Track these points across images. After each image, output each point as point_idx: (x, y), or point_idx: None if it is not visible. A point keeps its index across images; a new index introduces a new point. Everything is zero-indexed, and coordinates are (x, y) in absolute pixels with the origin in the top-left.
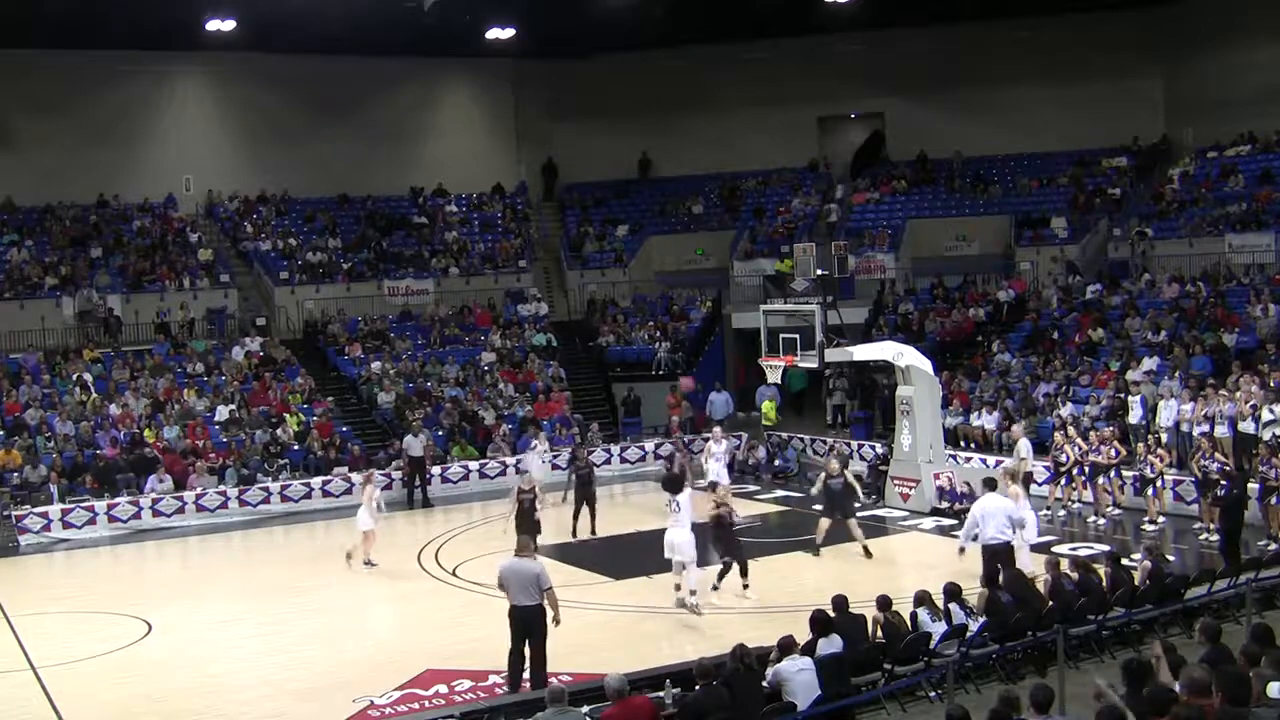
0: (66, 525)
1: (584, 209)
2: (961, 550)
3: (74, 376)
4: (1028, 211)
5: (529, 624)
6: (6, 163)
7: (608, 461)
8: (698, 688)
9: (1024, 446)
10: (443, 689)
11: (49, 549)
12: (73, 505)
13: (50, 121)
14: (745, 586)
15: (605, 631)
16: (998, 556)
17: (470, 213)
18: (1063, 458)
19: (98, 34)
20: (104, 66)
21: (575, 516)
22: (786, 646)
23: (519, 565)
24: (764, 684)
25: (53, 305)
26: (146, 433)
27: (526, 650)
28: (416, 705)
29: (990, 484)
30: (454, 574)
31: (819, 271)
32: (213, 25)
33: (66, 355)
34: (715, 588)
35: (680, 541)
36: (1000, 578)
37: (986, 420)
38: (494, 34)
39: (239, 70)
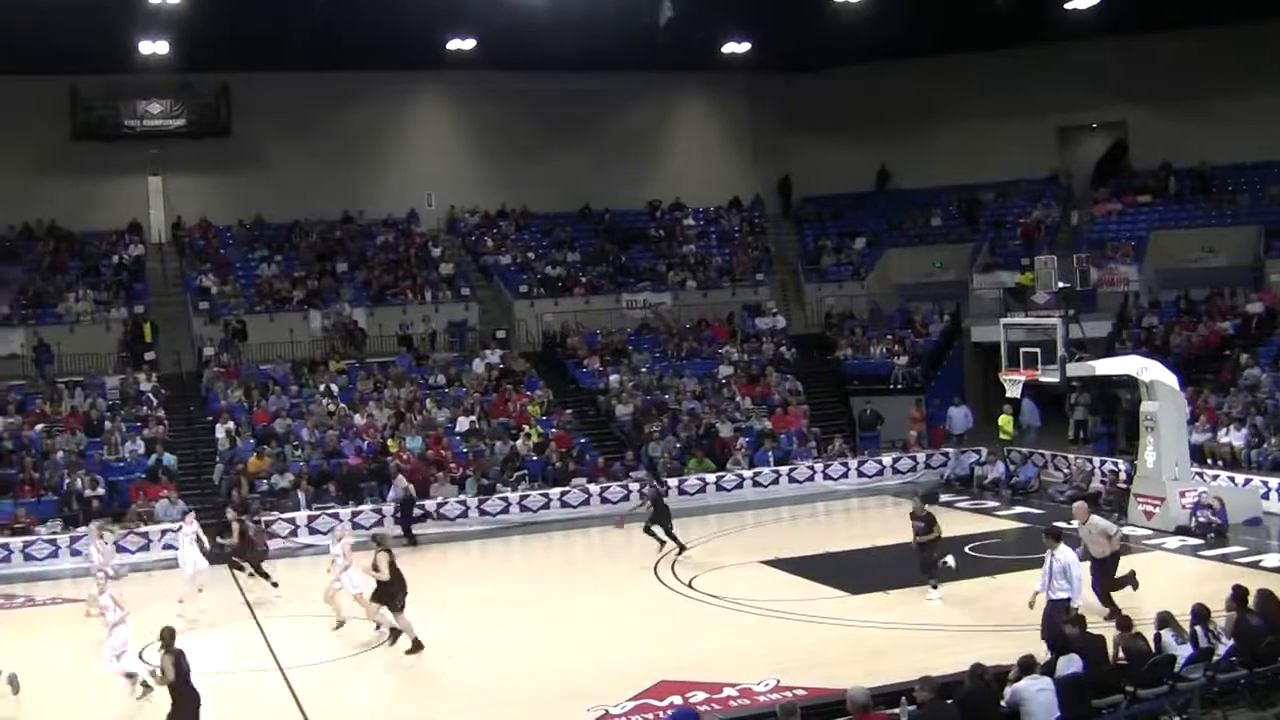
0: (313, 531)
1: (821, 221)
2: None
3: (321, 387)
4: (1278, 221)
5: None
6: (257, 181)
7: (845, 475)
8: (922, 705)
9: None
10: (676, 700)
11: (295, 554)
12: (318, 512)
13: (298, 141)
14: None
15: (840, 646)
16: None
17: (707, 226)
18: None
19: (343, 55)
20: (349, 86)
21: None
22: (1027, 665)
23: None
24: (1002, 703)
25: (300, 318)
26: (389, 442)
27: None
28: (650, 716)
29: None
30: (689, 586)
31: (1060, 284)
32: (453, 45)
33: (313, 366)
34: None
35: None
36: (1249, 599)
37: (1235, 437)
38: (729, 48)
39: (478, 88)
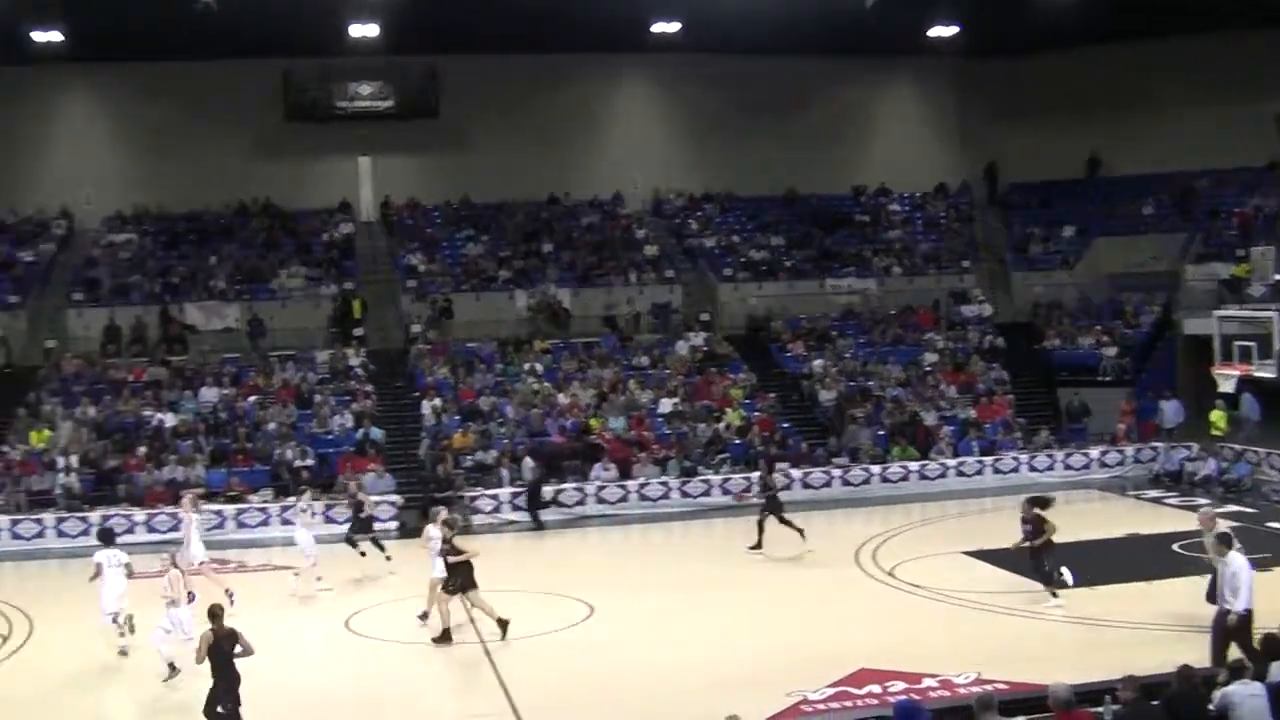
0: (516, 508)
1: (1028, 209)
2: None
3: (525, 366)
4: None
5: None
6: (465, 162)
7: (1051, 468)
8: (1125, 705)
9: None
10: (875, 689)
11: (499, 530)
12: (521, 489)
13: (504, 122)
14: None
15: (1042, 641)
16: None
17: (913, 212)
18: None
19: (549, 38)
20: (555, 69)
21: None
22: (1238, 669)
23: None
24: (1210, 707)
25: (506, 297)
26: (593, 422)
27: None
28: (850, 703)
29: None
30: (890, 574)
31: (1278, 276)
32: (658, 27)
33: (519, 345)
34: None
35: None
36: None
37: None
38: (936, 32)
39: (683, 70)
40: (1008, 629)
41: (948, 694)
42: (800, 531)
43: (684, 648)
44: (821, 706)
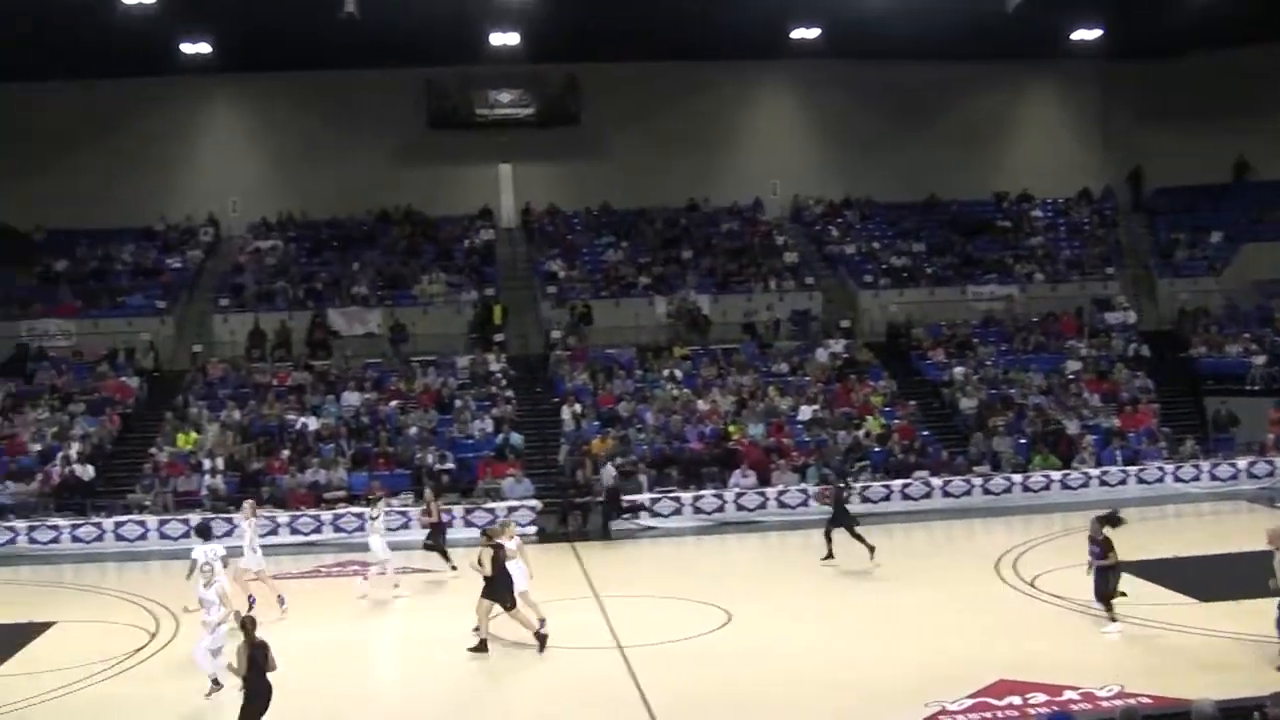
0: (654, 514)
1: (1174, 214)
2: None
3: (665, 372)
4: None
5: None
6: (604, 169)
7: (1197, 478)
8: None
9: None
10: (1015, 700)
11: (636, 536)
12: (660, 495)
13: (643, 129)
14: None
15: (1187, 655)
16: None
17: (1056, 218)
18: None
19: (688, 46)
20: (694, 76)
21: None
22: None
23: None
24: None
25: (646, 304)
26: (732, 428)
27: None
28: (989, 714)
29: None
30: (1032, 585)
31: None
32: (797, 34)
33: (658, 352)
34: None
35: None
36: None
37: None
38: (1079, 35)
39: (822, 77)
40: (1151, 642)
41: (1089, 707)
42: (831, 554)
43: (821, 655)
44: (960, 717)
